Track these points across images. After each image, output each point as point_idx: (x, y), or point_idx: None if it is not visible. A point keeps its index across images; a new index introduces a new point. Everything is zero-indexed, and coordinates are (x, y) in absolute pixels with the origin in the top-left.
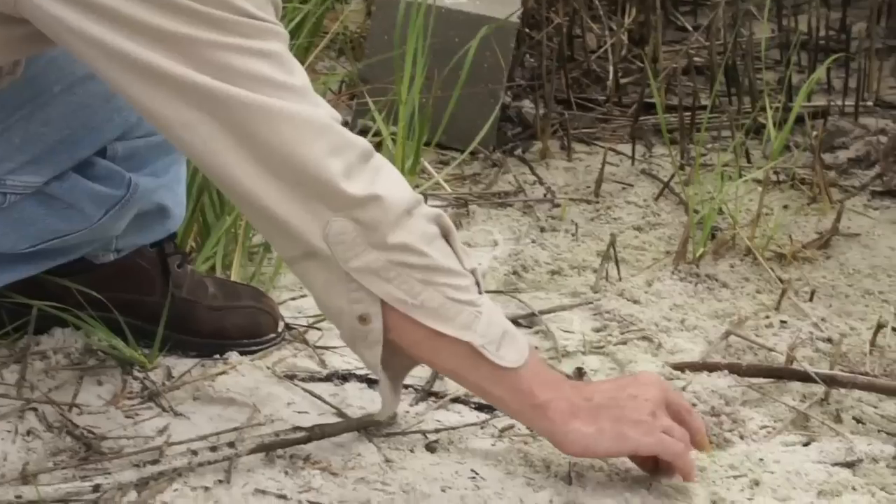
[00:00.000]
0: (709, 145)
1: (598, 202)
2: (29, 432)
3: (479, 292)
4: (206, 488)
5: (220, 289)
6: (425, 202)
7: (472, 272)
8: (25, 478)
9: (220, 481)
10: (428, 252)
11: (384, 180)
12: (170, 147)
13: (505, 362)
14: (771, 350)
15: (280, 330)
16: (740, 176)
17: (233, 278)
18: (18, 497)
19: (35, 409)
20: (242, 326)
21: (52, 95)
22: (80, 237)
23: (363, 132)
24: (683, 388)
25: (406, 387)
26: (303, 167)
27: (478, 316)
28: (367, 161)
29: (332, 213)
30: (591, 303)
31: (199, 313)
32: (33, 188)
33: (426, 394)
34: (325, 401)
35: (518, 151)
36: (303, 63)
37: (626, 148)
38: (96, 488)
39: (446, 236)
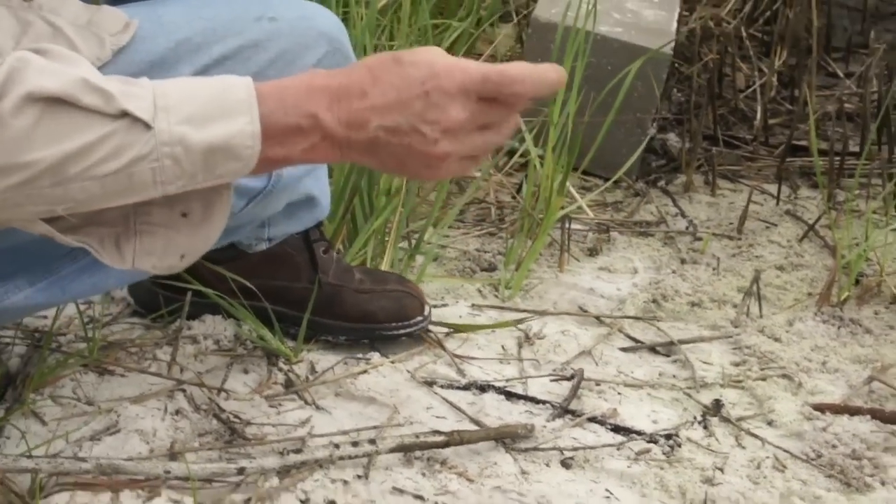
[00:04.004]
0: (856, 192)
1: (740, 239)
2: (178, 412)
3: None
4: (346, 482)
5: (367, 274)
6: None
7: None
8: (173, 454)
9: (359, 476)
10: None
11: None
12: None
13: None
14: None
15: (426, 313)
16: (888, 223)
17: None
18: (167, 472)
19: (184, 391)
20: (389, 310)
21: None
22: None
23: (511, 152)
24: (824, 429)
25: (543, 402)
26: None
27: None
28: None
29: None
30: (731, 337)
31: (346, 297)
32: None
33: (563, 411)
34: (462, 410)
35: (661, 183)
36: None
37: (771, 187)
38: (241, 471)
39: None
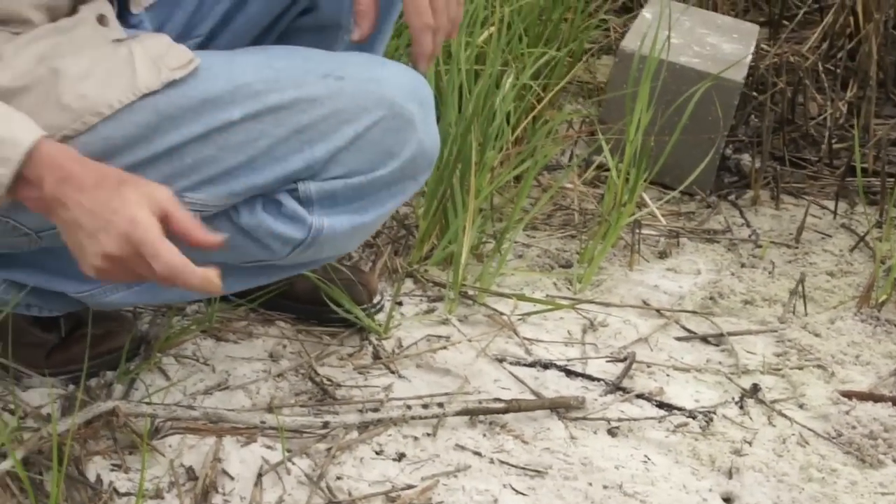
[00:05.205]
0: None
1: (797, 247)
2: (280, 374)
3: None
4: (416, 438)
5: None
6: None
7: None
8: (270, 409)
9: (428, 434)
10: None
11: None
12: (374, 188)
13: None
14: None
15: (375, 301)
16: None
17: (460, 274)
18: (263, 422)
19: (286, 357)
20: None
21: (231, 122)
22: (287, 262)
23: (589, 164)
24: (847, 412)
25: (598, 380)
26: None
27: None
28: None
29: None
30: (776, 331)
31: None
32: (214, 208)
33: (614, 388)
34: (525, 383)
35: (731, 197)
36: (547, 100)
37: (830, 203)
38: (325, 425)
39: None
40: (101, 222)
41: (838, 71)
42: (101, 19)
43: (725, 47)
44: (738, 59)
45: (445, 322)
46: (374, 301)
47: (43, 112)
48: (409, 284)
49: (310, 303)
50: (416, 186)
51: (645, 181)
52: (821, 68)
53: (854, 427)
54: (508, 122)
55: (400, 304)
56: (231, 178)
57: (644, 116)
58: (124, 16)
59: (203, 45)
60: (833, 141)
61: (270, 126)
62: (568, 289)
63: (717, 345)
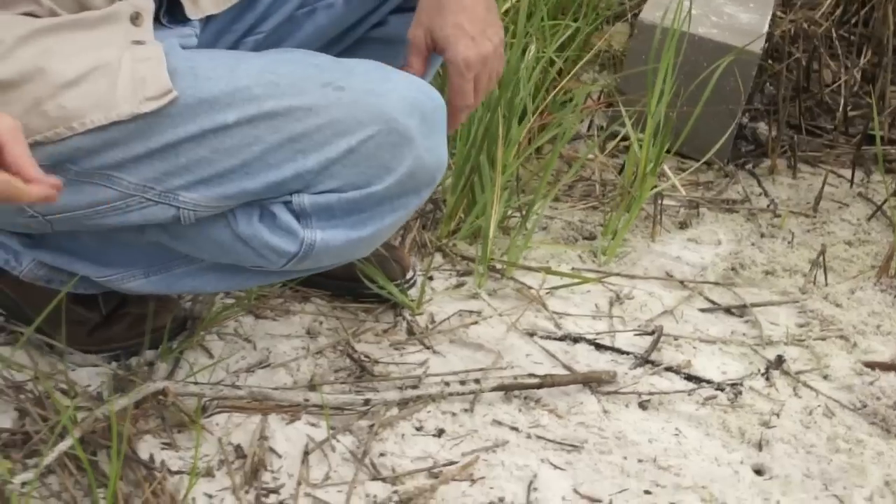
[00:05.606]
0: None
1: (815, 217)
2: (318, 352)
3: None
4: (454, 414)
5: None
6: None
7: None
8: (312, 386)
9: (466, 410)
10: None
11: None
12: (371, 203)
13: None
14: None
15: (408, 277)
16: None
17: (488, 248)
18: (307, 400)
19: (324, 334)
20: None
21: (226, 126)
22: (287, 269)
23: (613, 135)
24: (871, 383)
25: (627, 353)
26: None
27: None
28: None
29: None
30: (798, 302)
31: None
32: (207, 209)
33: (643, 361)
34: (556, 358)
35: (748, 166)
36: (570, 74)
37: (846, 172)
38: (367, 402)
39: None
40: None
41: (852, 38)
42: (136, 18)
43: (742, 17)
44: (754, 28)
45: (475, 296)
46: (407, 277)
47: (26, 112)
48: (437, 259)
49: (344, 279)
50: (418, 201)
51: (669, 153)
52: (834, 35)
53: (878, 398)
54: (532, 97)
55: (430, 278)
56: (224, 180)
57: (667, 90)
58: (175, 14)
59: (264, 44)
60: (848, 109)
61: (265, 132)
62: (593, 261)
63: (740, 316)
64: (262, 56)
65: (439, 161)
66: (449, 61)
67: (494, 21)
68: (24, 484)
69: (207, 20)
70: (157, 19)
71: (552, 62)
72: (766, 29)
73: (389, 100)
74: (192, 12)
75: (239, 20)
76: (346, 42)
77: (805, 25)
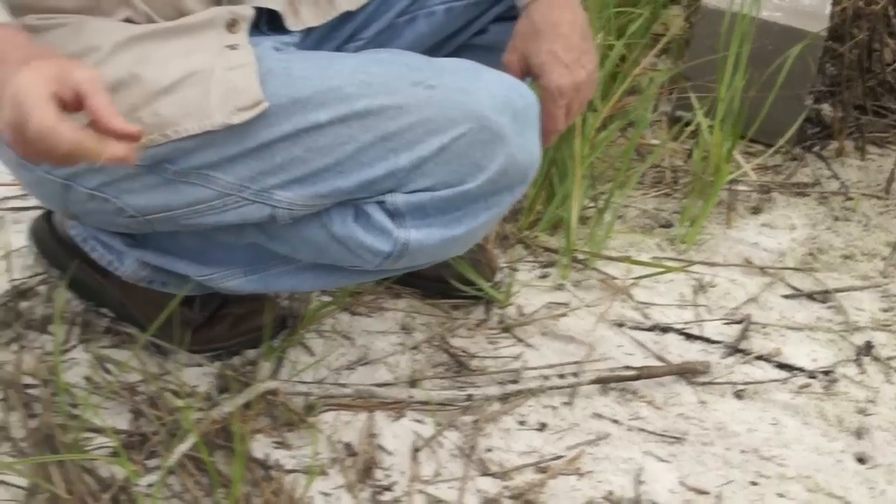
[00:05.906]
0: None
1: (888, 199)
2: (415, 347)
3: None
4: (554, 407)
5: None
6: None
7: None
8: (413, 382)
9: (566, 403)
10: None
11: None
12: (465, 201)
13: None
14: None
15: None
16: None
17: (572, 239)
18: (411, 397)
19: (419, 329)
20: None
21: (319, 125)
22: (383, 268)
23: (677, 120)
24: None
25: (716, 342)
26: None
27: None
28: None
29: None
30: (880, 286)
31: None
32: (302, 208)
33: (734, 350)
34: (648, 348)
35: (816, 149)
36: (631, 60)
37: None
38: (469, 397)
39: None
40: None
41: None
42: (232, 25)
43: None
44: (816, 10)
45: (560, 288)
46: (497, 279)
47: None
48: (519, 251)
49: (432, 279)
50: (512, 199)
51: (742, 139)
52: (892, 13)
53: None
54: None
55: (515, 270)
56: (318, 179)
57: (740, 77)
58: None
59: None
60: None
61: (357, 131)
62: (672, 249)
63: (823, 301)
64: (354, 56)
65: (532, 158)
66: (543, 88)
67: (589, 49)
68: (149, 485)
69: (308, 30)
70: (257, 27)
71: (611, 48)
72: (828, 10)
73: (481, 98)
74: (292, 24)
75: (339, 28)
76: (446, 49)
77: (861, 4)
